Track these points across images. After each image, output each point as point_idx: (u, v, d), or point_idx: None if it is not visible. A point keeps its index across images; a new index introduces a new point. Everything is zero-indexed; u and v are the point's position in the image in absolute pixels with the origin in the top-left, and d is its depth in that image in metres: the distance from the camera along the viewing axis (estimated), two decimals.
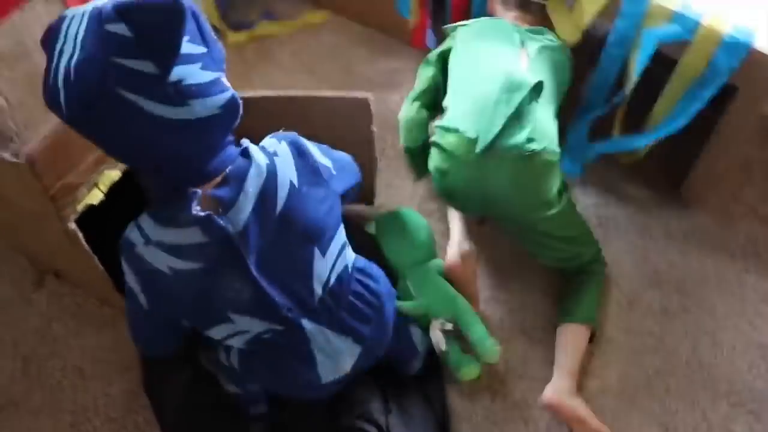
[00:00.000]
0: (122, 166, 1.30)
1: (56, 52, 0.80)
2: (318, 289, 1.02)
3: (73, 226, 1.27)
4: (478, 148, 1.34)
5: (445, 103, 1.52)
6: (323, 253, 1.01)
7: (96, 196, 1.28)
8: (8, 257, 1.74)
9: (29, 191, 1.18)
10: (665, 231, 1.77)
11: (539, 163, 1.37)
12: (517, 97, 1.38)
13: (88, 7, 0.79)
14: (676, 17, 1.49)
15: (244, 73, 2.07)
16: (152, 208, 0.95)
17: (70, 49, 0.78)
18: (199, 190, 0.90)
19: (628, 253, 1.73)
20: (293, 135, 1.02)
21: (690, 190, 1.77)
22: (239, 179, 0.90)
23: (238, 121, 0.92)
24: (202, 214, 0.88)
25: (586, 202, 1.81)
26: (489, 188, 1.40)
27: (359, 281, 1.15)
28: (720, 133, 1.60)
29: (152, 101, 0.79)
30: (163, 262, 0.92)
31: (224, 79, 0.87)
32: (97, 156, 1.25)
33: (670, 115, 1.58)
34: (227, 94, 0.88)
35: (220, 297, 0.96)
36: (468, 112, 1.42)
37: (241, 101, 0.90)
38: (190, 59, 0.82)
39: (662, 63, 1.55)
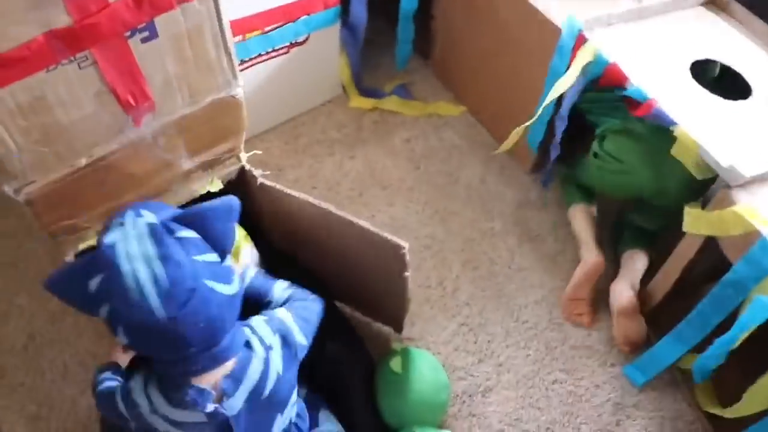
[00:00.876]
0: None
1: (129, 274, 0.87)
2: None
3: (70, 259, 1.27)
4: None
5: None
6: (282, 413, 1.13)
7: None
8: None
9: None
10: None
11: None
12: None
13: (130, 230, 0.90)
14: None
15: (351, 143, 2.01)
16: (162, 384, 1.03)
17: (144, 264, 0.88)
18: (211, 392, 0.99)
19: None
20: (284, 327, 1.11)
21: None
22: (242, 373, 1.02)
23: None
24: (211, 410, 0.99)
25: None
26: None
27: (296, 425, 1.25)
28: None
29: (220, 283, 0.94)
30: (163, 427, 1.04)
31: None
32: (112, 206, 1.24)
33: None
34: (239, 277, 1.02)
35: None
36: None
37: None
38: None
39: None
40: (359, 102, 2.05)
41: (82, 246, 1.26)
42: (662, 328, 1.56)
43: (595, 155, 1.67)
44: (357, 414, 1.45)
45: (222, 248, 0.95)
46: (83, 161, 1.13)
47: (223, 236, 0.95)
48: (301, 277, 1.51)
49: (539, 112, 1.65)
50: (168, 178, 1.27)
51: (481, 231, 1.85)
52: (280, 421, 1.13)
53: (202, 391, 0.99)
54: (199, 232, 0.93)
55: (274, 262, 1.47)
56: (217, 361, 0.99)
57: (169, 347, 0.94)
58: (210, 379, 0.99)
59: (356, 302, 1.65)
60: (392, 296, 1.48)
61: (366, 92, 2.08)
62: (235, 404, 1.02)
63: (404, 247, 1.27)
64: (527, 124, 1.65)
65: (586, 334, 1.69)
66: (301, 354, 1.14)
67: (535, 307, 1.73)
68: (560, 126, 1.67)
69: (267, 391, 1.05)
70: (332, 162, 1.95)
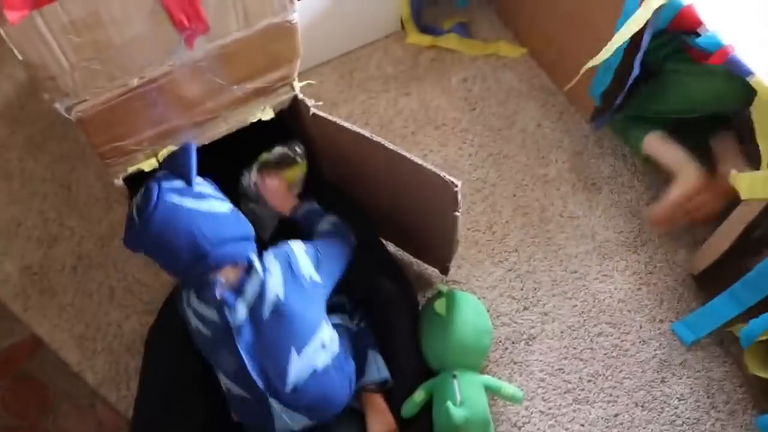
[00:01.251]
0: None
1: (134, 204, 1.20)
2: (290, 386, 1.24)
3: (118, 182, 1.27)
4: None
5: None
6: (299, 352, 1.24)
7: (150, 164, 1.28)
8: None
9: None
10: None
11: None
12: None
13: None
14: None
15: (406, 80, 1.95)
16: (194, 283, 1.27)
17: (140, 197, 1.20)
18: (221, 278, 1.23)
19: None
20: (290, 257, 1.28)
21: None
22: (240, 287, 1.23)
23: (244, 231, 1.27)
24: (218, 296, 1.22)
25: (672, 390, 1.52)
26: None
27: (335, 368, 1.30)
28: None
29: (186, 198, 1.19)
30: (192, 320, 1.29)
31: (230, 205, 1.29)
32: (162, 130, 1.23)
33: None
34: (228, 205, 1.28)
35: (216, 358, 1.29)
36: None
37: (243, 216, 1.30)
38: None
39: None
40: (417, 38, 1.99)
41: (131, 169, 1.26)
42: (717, 288, 1.51)
43: (674, 70, 1.58)
44: (401, 355, 1.44)
45: (182, 176, 1.21)
46: (135, 81, 1.11)
47: (180, 167, 1.21)
48: (349, 210, 1.49)
49: (608, 54, 1.55)
50: (219, 104, 1.25)
51: (535, 177, 1.79)
52: (299, 363, 1.24)
53: (215, 281, 1.22)
54: (167, 169, 1.23)
55: (323, 193, 1.46)
56: (212, 267, 1.21)
57: (165, 255, 1.21)
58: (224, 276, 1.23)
59: (403, 241, 1.63)
60: (440, 236, 1.45)
61: (425, 29, 2.01)
62: (236, 317, 1.22)
63: (457, 185, 1.23)
64: (596, 61, 1.56)
65: (636, 287, 1.65)
66: (315, 290, 1.29)
67: (585, 257, 1.68)
68: (633, 73, 1.58)
69: (267, 313, 1.22)
70: (386, 98, 1.91)
